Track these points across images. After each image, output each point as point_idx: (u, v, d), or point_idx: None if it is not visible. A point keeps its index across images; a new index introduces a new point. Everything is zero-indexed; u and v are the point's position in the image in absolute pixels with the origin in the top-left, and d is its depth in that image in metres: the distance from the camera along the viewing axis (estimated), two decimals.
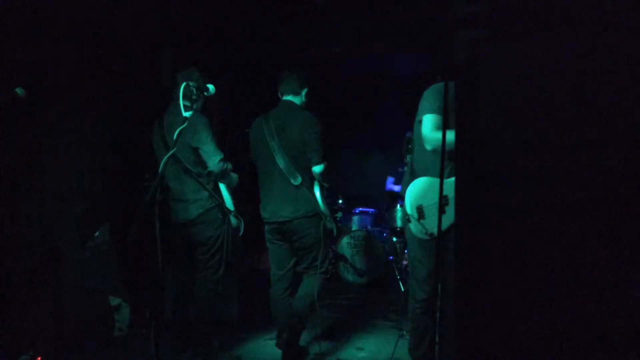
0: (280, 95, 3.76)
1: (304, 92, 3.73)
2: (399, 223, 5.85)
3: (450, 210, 2.96)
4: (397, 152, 6.14)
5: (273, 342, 4.11)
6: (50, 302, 3.77)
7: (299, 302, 3.61)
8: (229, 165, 3.57)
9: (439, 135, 2.94)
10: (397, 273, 5.52)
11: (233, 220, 3.66)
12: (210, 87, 3.34)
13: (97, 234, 4.13)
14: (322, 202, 3.60)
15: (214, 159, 3.48)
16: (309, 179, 3.60)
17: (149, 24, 4.55)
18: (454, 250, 2.26)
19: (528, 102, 1.85)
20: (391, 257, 5.64)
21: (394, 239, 5.80)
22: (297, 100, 3.71)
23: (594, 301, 1.77)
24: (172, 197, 3.55)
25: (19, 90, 2.88)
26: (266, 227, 3.75)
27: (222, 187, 3.69)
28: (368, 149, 7.62)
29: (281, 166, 3.55)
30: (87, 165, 4.21)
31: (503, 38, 1.88)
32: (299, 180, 3.54)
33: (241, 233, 3.72)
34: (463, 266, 2.01)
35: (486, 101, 1.92)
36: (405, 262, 5.67)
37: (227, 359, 3.80)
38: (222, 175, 3.57)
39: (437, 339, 2.50)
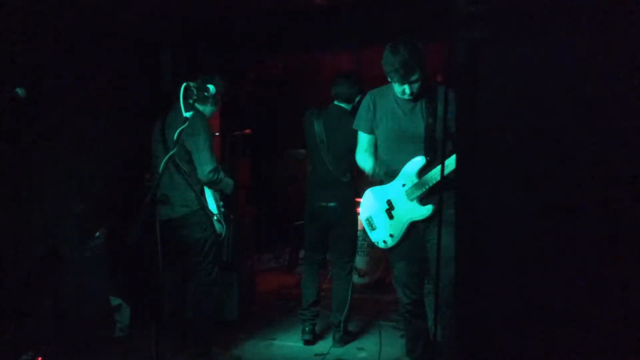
0: (333, 95, 3.93)
1: (357, 99, 3.86)
2: None
3: (396, 214, 3.01)
4: None
5: (274, 342, 4.12)
6: (50, 302, 3.76)
7: (336, 315, 3.97)
8: (221, 175, 3.53)
9: (359, 157, 3.19)
10: None
11: (216, 224, 3.62)
12: (211, 87, 3.33)
13: (97, 234, 4.13)
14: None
15: (204, 168, 3.45)
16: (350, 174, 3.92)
17: (149, 25, 4.55)
18: (455, 251, 2.26)
19: (528, 103, 1.85)
20: None
21: None
22: (348, 107, 3.90)
23: (594, 303, 1.76)
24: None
25: (19, 90, 2.88)
26: (307, 212, 4.05)
27: (206, 190, 3.63)
28: None
29: (329, 165, 3.86)
30: (87, 165, 4.20)
31: (503, 39, 1.88)
32: (348, 176, 3.88)
33: (222, 237, 3.71)
34: (463, 267, 2.01)
35: (486, 102, 1.92)
36: None
37: (227, 359, 3.80)
38: (212, 184, 3.54)
39: (437, 336, 2.50)
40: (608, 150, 1.74)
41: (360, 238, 5.67)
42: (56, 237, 3.90)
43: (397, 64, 2.79)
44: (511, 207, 1.89)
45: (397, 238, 3.02)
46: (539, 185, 1.84)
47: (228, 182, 3.70)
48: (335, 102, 3.94)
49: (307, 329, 4.03)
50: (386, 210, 3.04)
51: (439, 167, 2.67)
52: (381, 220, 3.07)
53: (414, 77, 2.84)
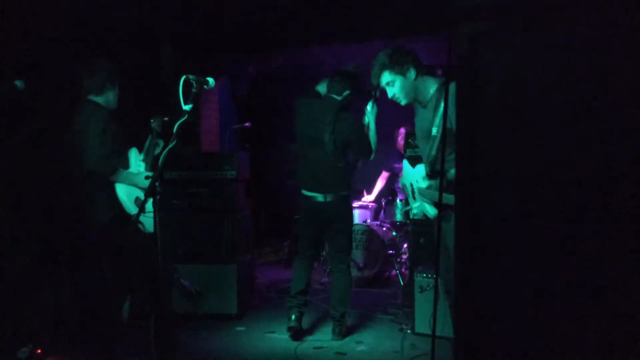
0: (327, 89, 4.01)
1: (345, 93, 3.95)
2: (398, 217, 5.86)
3: (417, 197, 3.07)
4: (396, 146, 6.13)
5: (272, 335, 4.13)
6: (50, 295, 3.76)
7: (338, 306, 4.00)
8: (113, 163, 3.27)
9: None
10: (396, 267, 5.53)
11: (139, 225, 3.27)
12: (210, 80, 3.32)
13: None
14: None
15: (92, 154, 3.22)
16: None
17: (149, 21, 4.54)
18: (454, 250, 2.26)
19: (530, 99, 1.84)
20: (391, 252, 5.64)
21: (394, 233, 5.80)
22: (339, 97, 3.95)
23: (594, 303, 1.76)
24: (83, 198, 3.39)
25: (18, 83, 2.87)
26: (303, 208, 4.06)
27: (121, 187, 3.39)
28: None
29: (329, 151, 3.85)
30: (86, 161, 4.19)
31: (505, 32, 1.87)
32: (342, 162, 3.91)
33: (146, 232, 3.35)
34: (463, 267, 2.01)
35: (487, 97, 1.91)
36: (405, 256, 5.68)
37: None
38: (104, 173, 3.27)
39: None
40: (608, 148, 1.73)
41: (360, 232, 5.70)
42: (56, 231, 3.90)
43: (373, 70, 3.01)
44: (511, 206, 1.89)
45: (418, 217, 3.20)
46: (539, 183, 1.83)
47: (128, 176, 3.39)
48: (331, 95, 3.97)
49: (293, 317, 3.99)
50: (411, 191, 3.13)
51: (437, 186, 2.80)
52: (410, 194, 3.17)
53: (383, 80, 2.99)
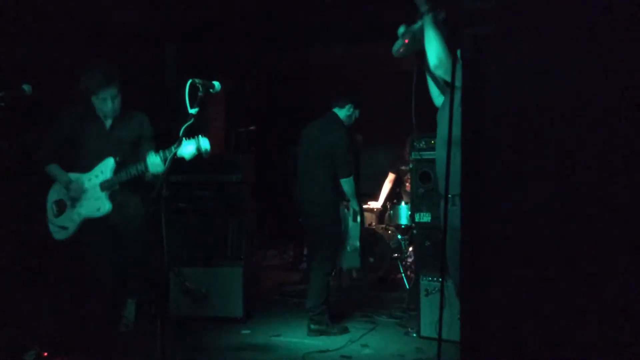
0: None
1: (347, 106, 4.27)
2: (403, 220, 5.84)
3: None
4: (402, 149, 6.12)
5: (278, 338, 4.13)
6: (54, 298, 3.77)
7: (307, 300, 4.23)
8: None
9: None
10: (402, 270, 5.52)
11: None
12: (216, 84, 3.32)
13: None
14: None
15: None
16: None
17: (154, 21, 4.55)
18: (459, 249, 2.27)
19: (533, 101, 1.85)
20: (396, 255, 5.64)
21: (399, 236, 5.79)
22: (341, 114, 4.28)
23: (594, 300, 1.76)
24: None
25: (26, 87, 2.88)
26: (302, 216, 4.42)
27: None
28: (372, 146, 7.62)
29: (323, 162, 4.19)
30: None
31: (509, 35, 1.87)
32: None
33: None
34: (466, 265, 2.00)
35: (491, 98, 1.91)
36: (410, 260, 5.67)
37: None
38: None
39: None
40: (611, 148, 1.73)
41: (365, 235, 5.69)
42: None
43: None
44: (513, 206, 1.89)
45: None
46: (541, 184, 1.83)
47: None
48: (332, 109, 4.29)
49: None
50: None
51: None
52: None
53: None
